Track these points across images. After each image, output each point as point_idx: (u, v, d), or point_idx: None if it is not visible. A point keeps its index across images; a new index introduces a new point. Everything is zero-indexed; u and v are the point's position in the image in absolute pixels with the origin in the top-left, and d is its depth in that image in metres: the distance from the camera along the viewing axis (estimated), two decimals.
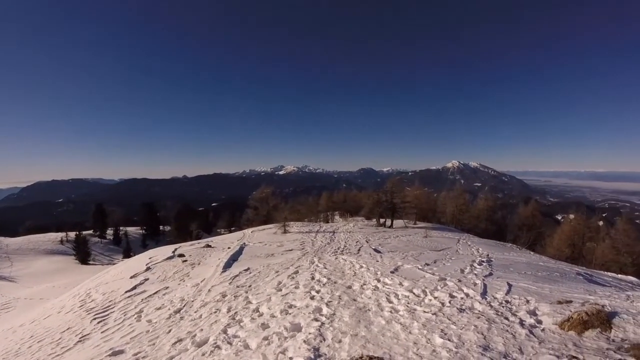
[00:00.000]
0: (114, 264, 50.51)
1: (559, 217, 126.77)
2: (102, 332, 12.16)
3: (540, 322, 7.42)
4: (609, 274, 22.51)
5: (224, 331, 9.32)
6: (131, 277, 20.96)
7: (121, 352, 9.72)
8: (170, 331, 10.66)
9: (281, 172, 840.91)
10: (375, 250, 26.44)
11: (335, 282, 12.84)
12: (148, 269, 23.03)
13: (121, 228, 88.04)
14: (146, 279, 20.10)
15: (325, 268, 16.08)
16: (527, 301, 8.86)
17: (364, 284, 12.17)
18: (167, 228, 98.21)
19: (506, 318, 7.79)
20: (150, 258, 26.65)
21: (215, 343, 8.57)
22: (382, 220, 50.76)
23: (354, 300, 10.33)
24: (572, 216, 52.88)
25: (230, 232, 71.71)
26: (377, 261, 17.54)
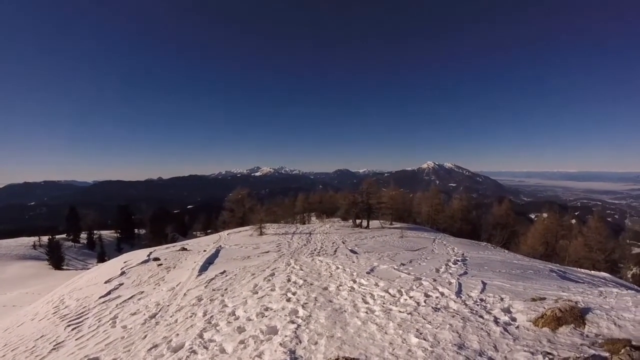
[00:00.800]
0: (88, 268, 49.79)
1: (533, 216, 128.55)
2: (76, 339, 11.92)
3: (514, 319, 7.55)
4: (582, 270, 22.90)
5: (200, 335, 9.23)
6: (105, 282, 20.62)
7: (96, 359, 9.58)
8: (145, 337, 10.51)
9: (257, 174, 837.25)
10: (352, 251, 26.46)
11: (311, 284, 12.84)
12: (123, 273, 22.72)
13: (95, 232, 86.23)
14: (121, 284, 19.81)
15: (302, 270, 16.07)
16: (502, 299, 8.99)
17: (340, 285, 12.20)
18: (142, 231, 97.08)
19: (481, 316, 7.89)
20: (124, 262, 26.27)
21: (191, 348, 8.48)
22: (358, 221, 50.90)
23: (330, 301, 10.35)
24: (545, 215, 53.76)
25: (207, 234, 71.26)
26: (353, 262, 17.59)
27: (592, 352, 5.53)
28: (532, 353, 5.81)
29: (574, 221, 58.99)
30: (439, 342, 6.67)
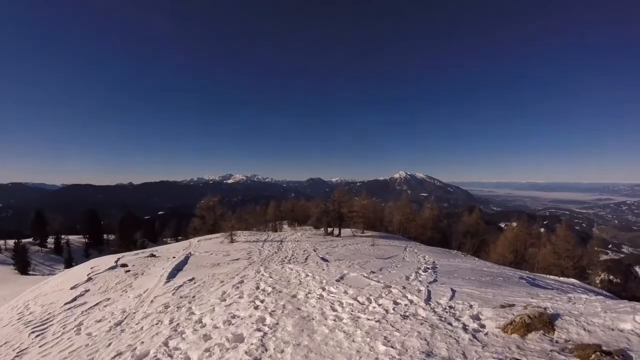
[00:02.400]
0: (55, 274, 48.85)
1: (502, 225, 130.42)
2: (40, 347, 11.61)
3: (483, 326, 7.52)
4: (551, 277, 23.22)
5: (165, 343, 9.04)
6: (71, 288, 20.19)
7: None
8: (110, 344, 10.28)
9: (230, 181, 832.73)
10: (323, 259, 26.42)
11: (280, 291, 12.71)
12: (89, 279, 22.29)
13: (63, 236, 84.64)
14: (87, 290, 19.41)
15: (271, 277, 15.95)
16: (471, 306, 8.97)
17: (309, 293, 12.10)
18: (111, 237, 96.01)
19: (449, 323, 7.84)
20: (91, 268, 25.81)
21: (156, 356, 8.30)
22: (330, 230, 51.05)
23: (298, 309, 10.23)
24: (514, 224, 54.67)
25: (177, 241, 70.71)
26: (324, 270, 17.51)
27: (562, 357, 5.52)
28: None
29: (542, 230, 60.19)
30: (406, 350, 6.59)
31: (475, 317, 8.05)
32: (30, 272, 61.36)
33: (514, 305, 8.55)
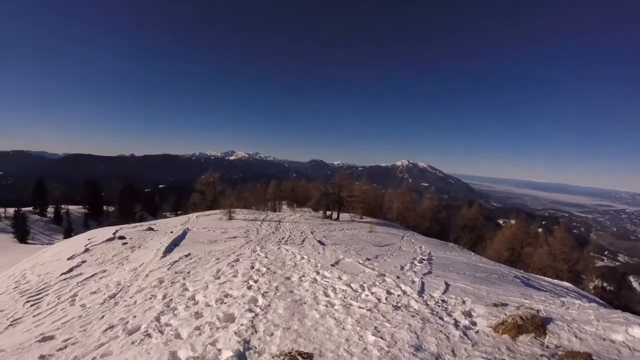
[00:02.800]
0: (53, 243, 49.00)
1: (501, 222, 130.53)
2: (34, 316, 11.70)
3: (475, 323, 7.46)
4: (546, 278, 23.24)
5: (157, 319, 9.04)
6: (68, 259, 20.29)
7: (51, 337, 9.37)
8: (103, 317, 10.34)
9: (231, 158, 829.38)
10: (319, 242, 26.46)
11: (274, 273, 12.68)
12: (86, 250, 22.40)
13: (63, 206, 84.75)
14: (84, 261, 19.53)
15: (267, 257, 15.90)
16: (464, 302, 8.94)
17: (303, 276, 12.06)
18: (111, 209, 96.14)
19: (441, 318, 7.79)
20: (89, 239, 25.88)
21: (147, 331, 8.27)
22: (328, 213, 51.02)
23: (291, 292, 10.20)
24: (513, 221, 54.69)
25: (176, 215, 70.75)
26: (319, 253, 17.48)
27: None
28: None
29: (540, 230, 60.10)
30: (396, 342, 6.54)
31: (467, 314, 8.00)
32: (29, 241, 61.74)
33: (507, 304, 8.51)
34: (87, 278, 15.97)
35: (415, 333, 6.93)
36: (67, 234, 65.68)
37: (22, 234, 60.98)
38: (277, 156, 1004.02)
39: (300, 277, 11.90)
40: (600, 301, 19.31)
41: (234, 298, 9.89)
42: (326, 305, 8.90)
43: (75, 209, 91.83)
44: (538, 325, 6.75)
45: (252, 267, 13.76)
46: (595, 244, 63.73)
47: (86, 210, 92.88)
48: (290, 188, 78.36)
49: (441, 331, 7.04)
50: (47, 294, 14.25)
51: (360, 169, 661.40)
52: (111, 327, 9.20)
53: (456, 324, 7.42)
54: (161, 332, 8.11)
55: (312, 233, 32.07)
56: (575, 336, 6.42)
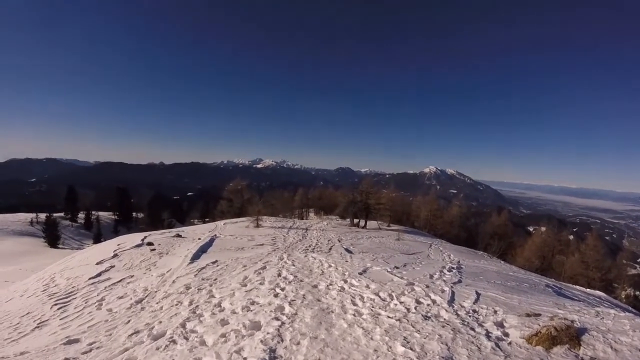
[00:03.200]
0: (83, 248, 49.71)
1: (531, 229, 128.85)
2: (60, 319, 11.82)
3: (507, 334, 7.24)
4: (578, 287, 22.69)
5: (183, 325, 9.01)
6: (97, 264, 20.52)
7: (76, 340, 9.41)
8: (129, 322, 10.37)
9: (259, 165, 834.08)
10: (347, 250, 26.26)
11: (301, 281, 12.60)
12: (115, 255, 22.62)
13: (93, 212, 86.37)
14: (112, 266, 19.75)
15: (294, 265, 15.83)
16: (495, 312, 8.72)
17: (330, 284, 11.95)
18: (140, 215, 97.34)
19: (472, 329, 7.58)
20: (118, 245, 26.17)
21: (172, 337, 8.25)
22: (356, 221, 50.81)
23: (318, 300, 10.09)
24: (543, 228, 53.89)
25: (204, 222, 71.28)
26: (347, 261, 17.35)
27: None
28: None
29: (571, 237, 59.12)
30: (426, 354, 6.36)
31: (499, 324, 7.77)
32: (60, 246, 62.76)
33: (539, 315, 8.26)
34: (114, 283, 16.10)
35: (446, 344, 6.74)
36: (97, 240, 66.55)
37: (52, 238, 61.96)
38: (305, 164, 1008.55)
39: (327, 286, 11.80)
40: (633, 310, 18.82)
41: (261, 306, 9.82)
42: (354, 315, 8.76)
43: (105, 215, 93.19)
44: (572, 336, 6.53)
45: (279, 275, 13.69)
46: (628, 251, 62.40)
47: (116, 217, 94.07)
48: (317, 196, 78.38)
49: (473, 342, 6.83)
50: (75, 298, 14.40)
51: (387, 176, 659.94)
52: (136, 332, 9.21)
53: (488, 335, 7.20)
54: (186, 339, 8.07)
55: (339, 241, 31.87)
56: (611, 347, 6.20)
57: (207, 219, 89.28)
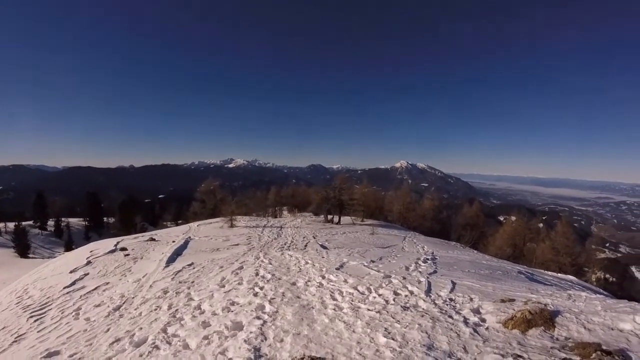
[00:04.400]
0: (54, 257, 48.91)
1: (501, 218, 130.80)
2: (38, 332, 11.60)
3: (484, 320, 7.51)
4: (549, 273, 23.19)
5: (164, 330, 9.00)
6: (70, 272, 20.19)
7: (57, 353, 9.28)
8: (108, 330, 10.25)
9: (231, 165, 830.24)
10: (322, 246, 26.41)
11: (279, 279, 12.68)
12: (88, 263, 22.30)
13: (63, 219, 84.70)
14: (86, 274, 19.42)
15: (271, 264, 15.90)
16: (471, 299, 8.97)
17: (309, 281, 12.09)
18: (112, 220, 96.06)
19: (450, 316, 7.84)
20: (91, 251, 25.83)
21: (154, 343, 8.24)
22: (329, 217, 50.96)
23: (298, 297, 10.21)
24: (513, 218, 54.77)
25: (177, 225, 70.68)
26: (323, 257, 17.47)
27: (563, 355, 5.48)
28: (503, 355, 5.74)
29: (541, 225, 60.26)
30: (407, 342, 6.57)
31: (476, 311, 8.03)
32: (30, 255, 61.52)
33: (514, 300, 8.52)
34: (90, 291, 15.87)
35: (426, 332, 6.97)
36: (68, 247, 65.37)
37: (22, 248, 60.65)
38: (276, 162, 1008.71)
39: (306, 282, 11.92)
40: (604, 292, 19.34)
41: (241, 306, 9.86)
42: (334, 309, 8.91)
43: (76, 222, 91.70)
44: (547, 318, 6.82)
45: (257, 274, 13.73)
46: (596, 236, 64.16)
47: (86, 223, 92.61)
48: (290, 194, 78.30)
49: (452, 329, 7.08)
50: (51, 309, 14.15)
51: (359, 172, 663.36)
52: (117, 340, 9.12)
53: (466, 322, 7.46)
54: (169, 344, 8.08)
55: (314, 237, 32.00)
56: (584, 327, 6.49)
57: (181, 221, 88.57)
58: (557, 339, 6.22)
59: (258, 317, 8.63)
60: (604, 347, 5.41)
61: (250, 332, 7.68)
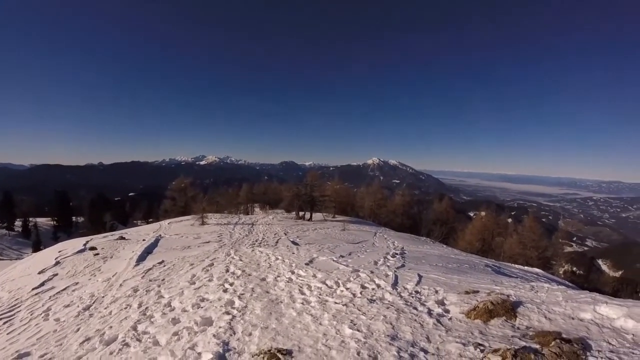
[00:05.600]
0: (22, 258, 48.10)
1: (471, 214, 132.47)
2: (7, 334, 11.45)
3: (447, 311, 7.73)
4: (516, 266, 23.66)
5: (134, 328, 9.00)
6: (39, 273, 19.95)
7: (27, 354, 9.21)
8: (78, 330, 10.19)
9: (202, 162, 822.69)
10: (293, 242, 26.52)
11: (249, 275, 12.76)
12: (57, 263, 22.05)
13: (31, 219, 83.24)
14: (55, 275, 19.22)
15: (241, 260, 15.95)
16: (436, 291, 9.19)
17: (278, 276, 12.18)
18: (81, 219, 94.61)
19: (415, 308, 8.03)
20: (59, 252, 25.53)
21: (124, 340, 8.23)
22: (301, 213, 51.04)
23: (267, 292, 10.31)
24: (483, 213, 55.57)
25: (148, 223, 70.04)
26: (293, 253, 17.57)
27: (523, 343, 5.69)
28: (464, 344, 5.94)
29: (510, 220, 61.35)
30: (372, 333, 6.75)
31: (440, 302, 8.25)
32: None
33: (478, 291, 8.77)
34: (59, 291, 15.71)
35: (391, 323, 7.14)
36: (37, 248, 64.37)
37: None
38: (248, 159, 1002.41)
39: (275, 278, 12.01)
40: (570, 284, 19.80)
41: (211, 302, 9.93)
42: (302, 303, 9.05)
43: (44, 222, 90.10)
44: (508, 308, 7.05)
45: (227, 271, 13.78)
46: (562, 230, 65.34)
47: (55, 222, 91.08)
48: (262, 191, 78.19)
49: (415, 320, 7.27)
50: (20, 310, 13.98)
51: (331, 168, 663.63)
52: (88, 339, 9.07)
53: (430, 313, 7.66)
54: (139, 341, 8.09)
55: (285, 234, 32.08)
56: (545, 317, 6.73)
57: (151, 220, 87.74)
58: (519, 328, 6.46)
59: (227, 313, 8.71)
60: (564, 336, 5.64)
61: (220, 327, 7.77)
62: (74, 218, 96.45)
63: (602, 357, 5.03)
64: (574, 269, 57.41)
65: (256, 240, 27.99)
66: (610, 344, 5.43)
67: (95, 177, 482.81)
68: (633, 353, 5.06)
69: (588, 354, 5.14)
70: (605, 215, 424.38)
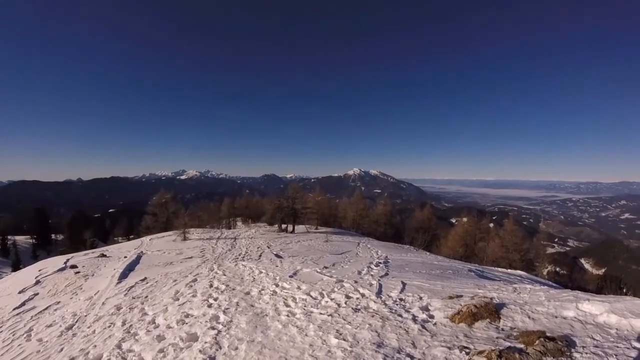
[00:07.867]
0: (1, 278, 47.34)
1: (453, 220, 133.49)
2: None
3: (432, 317, 7.84)
4: (499, 269, 23.95)
5: (118, 346, 8.94)
6: (19, 292, 19.72)
7: None
8: (62, 350, 10.10)
9: (183, 177, 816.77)
10: (276, 255, 26.44)
11: (233, 289, 12.75)
12: (38, 282, 21.82)
13: (9, 237, 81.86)
14: (36, 294, 19.02)
15: (225, 275, 15.93)
16: (420, 298, 9.30)
17: (263, 289, 12.21)
18: (60, 237, 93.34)
19: (400, 315, 8.13)
20: (40, 270, 25.21)
21: (109, 359, 8.21)
22: (284, 226, 50.99)
23: (252, 306, 10.33)
24: (464, 219, 56.11)
25: (129, 240, 69.39)
26: (277, 266, 17.61)
27: (508, 344, 5.79)
28: (449, 348, 6.03)
29: (491, 225, 61.89)
30: (358, 342, 6.83)
31: (425, 308, 8.35)
32: None
33: (461, 296, 8.90)
34: (41, 311, 15.56)
35: (376, 331, 7.24)
36: (16, 267, 63.26)
37: None
38: (229, 173, 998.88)
39: (259, 291, 12.03)
40: (553, 284, 20.07)
41: (195, 317, 9.92)
42: (287, 315, 9.10)
43: (23, 239, 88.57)
44: (492, 311, 7.18)
45: (211, 286, 13.75)
46: (544, 232, 66.23)
47: (34, 240, 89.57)
48: (244, 204, 78.04)
49: (401, 327, 7.37)
50: (1, 331, 13.82)
51: (313, 180, 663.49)
52: (72, 359, 9.01)
53: (414, 319, 7.76)
54: (124, 359, 8.07)
55: (268, 247, 31.98)
56: (529, 317, 6.89)
57: (132, 236, 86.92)
58: (503, 330, 6.59)
59: (212, 327, 8.72)
60: (548, 334, 5.75)
61: (205, 342, 7.77)
62: (53, 236, 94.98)
63: (586, 353, 5.13)
64: (557, 269, 58.18)
65: (239, 255, 27.86)
66: (594, 339, 5.56)
67: (74, 193, 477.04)
68: (617, 347, 5.18)
69: (573, 350, 5.24)
70: (585, 215, 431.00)
